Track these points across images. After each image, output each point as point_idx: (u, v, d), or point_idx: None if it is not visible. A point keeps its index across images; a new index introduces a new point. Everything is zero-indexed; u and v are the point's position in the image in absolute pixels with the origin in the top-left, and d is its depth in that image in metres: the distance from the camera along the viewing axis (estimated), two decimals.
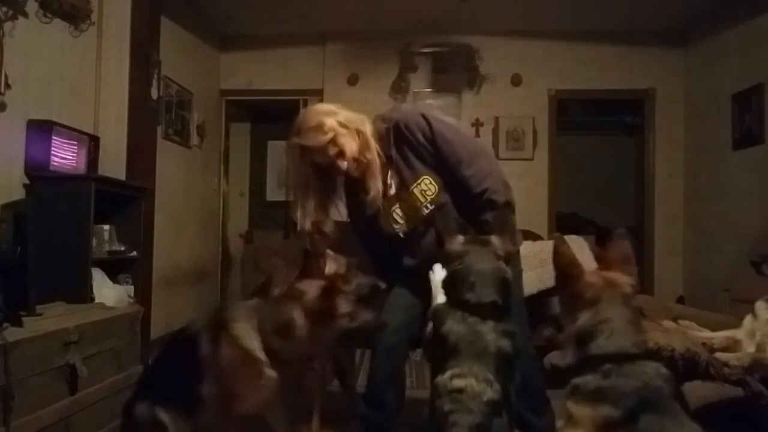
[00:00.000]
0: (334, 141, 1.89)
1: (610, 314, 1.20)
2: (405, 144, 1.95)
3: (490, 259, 1.53)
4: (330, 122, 1.89)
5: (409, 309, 2.07)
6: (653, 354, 1.31)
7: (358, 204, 2.01)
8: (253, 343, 1.69)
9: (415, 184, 1.95)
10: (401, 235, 2.02)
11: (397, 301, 2.14)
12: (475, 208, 1.86)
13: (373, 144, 1.93)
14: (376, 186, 1.94)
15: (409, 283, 2.08)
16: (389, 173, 1.98)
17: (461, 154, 1.90)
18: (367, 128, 1.94)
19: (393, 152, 1.96)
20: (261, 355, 1.69)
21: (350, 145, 1.90)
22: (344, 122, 1.92)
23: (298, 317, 1.71)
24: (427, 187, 1.95)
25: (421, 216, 1.96)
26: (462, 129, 2.02)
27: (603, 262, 1.34)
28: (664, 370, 1.14)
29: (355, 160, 1.92)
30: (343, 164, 1.90)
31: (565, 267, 1.28)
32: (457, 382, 1.34)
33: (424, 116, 1.95)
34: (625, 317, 1.21)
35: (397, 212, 2.00)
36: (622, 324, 1.19)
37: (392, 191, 1.99)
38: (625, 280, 1.27)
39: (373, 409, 2.11)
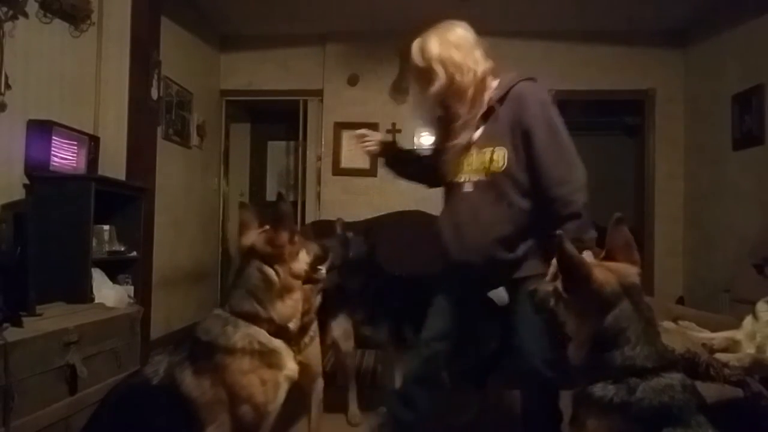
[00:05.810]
0: (424, 71, 1.82)
1: (632, 319, 1.13)
2: (509, 111, 1.84)
3: None
4: (436, 54, 1.83)
5: (455, 319, 2.03)
6: (676, 362, 1.23)
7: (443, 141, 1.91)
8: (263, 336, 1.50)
9: (492, 148, 1.86)
10: (461, 188, 1.93)
11: (445, 309, 2.07)
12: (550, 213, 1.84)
13: (468, 98, 1.82)
14: (466, 136, 1.84)
15: (463, 297, 2.03)
16: (481, 126, 1.88)
17: (559, 165, 1.88)
18: (469, 78, 1.83)
19: (497, 106, 1.86)
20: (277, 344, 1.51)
21: (433, 88, 1.81)
22: (452, 63, 1.83)
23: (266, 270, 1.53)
24: (498, 157, 1.85)
25: (481, 176, 1.88)
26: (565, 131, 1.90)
27: (606, 252, 1.29)
28: (688, 381, 1.10)
29: (436, 98, 1.83)
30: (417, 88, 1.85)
31: (572, 268, 1.18)
32: None
33: (544, 106, 1.85)
34: (646, 319, 1.14)
35: (468, 162, 1.90)
36: (645, 330, 1.13)
37: (474, 140, 1.89)
38: (633, 270, 1.21)
39: (403, 407, 2.10)
